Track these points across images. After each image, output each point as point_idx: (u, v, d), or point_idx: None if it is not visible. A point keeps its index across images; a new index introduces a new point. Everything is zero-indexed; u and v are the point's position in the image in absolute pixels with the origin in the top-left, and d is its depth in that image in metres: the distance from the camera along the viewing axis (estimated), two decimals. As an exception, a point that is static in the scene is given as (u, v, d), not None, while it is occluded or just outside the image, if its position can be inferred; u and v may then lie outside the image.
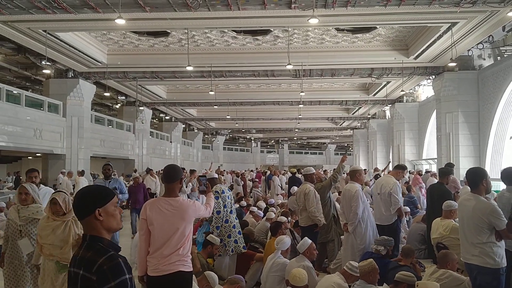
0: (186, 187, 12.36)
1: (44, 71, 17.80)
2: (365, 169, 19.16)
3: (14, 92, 16.42)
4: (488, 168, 16.29)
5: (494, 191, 9.66)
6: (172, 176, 3.96)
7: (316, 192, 7.30)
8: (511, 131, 16.02)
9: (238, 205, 11.15)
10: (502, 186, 5.55)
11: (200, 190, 5.24)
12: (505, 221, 4.21)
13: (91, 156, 20.06)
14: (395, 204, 7.25)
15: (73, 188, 15.50)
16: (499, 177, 5.32)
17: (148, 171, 16.68)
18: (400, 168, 8.10)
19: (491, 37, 14.96)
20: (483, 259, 4.23)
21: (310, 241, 5.68)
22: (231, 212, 6.50)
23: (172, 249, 3.77)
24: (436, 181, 9.73)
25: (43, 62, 15.99)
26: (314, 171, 7.83)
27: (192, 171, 13.72)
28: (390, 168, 14.38)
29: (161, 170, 20.09)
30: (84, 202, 2.24)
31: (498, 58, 16.54)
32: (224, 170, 27.64)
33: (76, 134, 18.87)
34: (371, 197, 9.29)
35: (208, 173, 8.27)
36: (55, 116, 18.20)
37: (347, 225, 6.64)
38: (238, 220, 6.74)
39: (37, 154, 21.63)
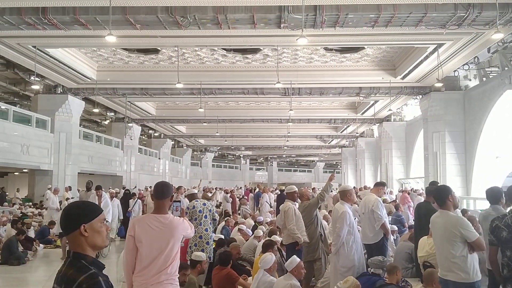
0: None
1: (33, 86, 17.74)
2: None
3: (1, 107, 16.34)
4: (474, 187, 16.45)
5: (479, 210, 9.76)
6: (163, 192, 3.91)
7: (296, 210, 7.31)
8: (497, 150, 16.23)
9: (224, 223, 11.23)
10: (487, 205, 5.60)
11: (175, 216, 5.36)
12: (475, 233, 4.31)
13: (78, 172, 19.91)
14: (378, 220, 7.26)
15: (60, 204, 15.34)
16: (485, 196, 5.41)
17: (93, 188, 12.59)
18: (380, 185, 8.16)
19: (476, 58, 15.23)
20: (458, 275, 4.29)
21: (298, 259, 5.66)
22: (200, 224, 7.21)
23: (160, 267, 3.70)
24: (423, 199, 9.80)
25: (32, 78, 15.93)
26: (296, 189, 7.86)
27: (178, 188, 13.55)
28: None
29: (124, 189, 19.06)
30: (69, 217, 2.22)
31: (484, 79, 16.82)
32: (211, 188, 27.44)
33: (64, 150, 18.74)
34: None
35: (189, 189, 8.84)
36: (43, 131, 18.08)
37: (331, 245, 6.65)
38: (208, 232, 7.31)
39: (24, 170, 21.42)
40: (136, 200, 14.88)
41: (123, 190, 18.14)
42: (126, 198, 15.60)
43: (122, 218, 14.96)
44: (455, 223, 4.36)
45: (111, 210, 13.09)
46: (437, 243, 4.63)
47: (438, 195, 4.67)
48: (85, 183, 13.76)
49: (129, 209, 14.52)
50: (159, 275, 3.69)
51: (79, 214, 2.21)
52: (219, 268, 6.42)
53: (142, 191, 18.10)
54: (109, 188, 15.76)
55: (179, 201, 6.16)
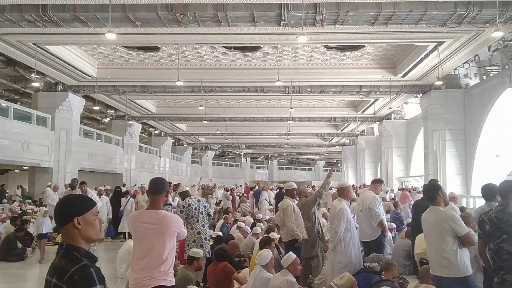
0: (173, 201, 12.28)
1: (33, 84, 17.72)
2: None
3: (2, 104, 16.33)
4: (474, 185, 16.43)
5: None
6: (158, 187, 3.85)
7: (295, 207, 7.32)
8: (497, 149, 16.22)
9: (222, 221, 11.28)
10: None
11: None
12: (465, 227, 4.36)
13: (79, 170, 19.92)
14: (375, 217, 7.28)
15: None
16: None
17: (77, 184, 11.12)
18: (377, 182, 8.17)
19: (477, 56, 15.20)
20: (449, 271, 4.33)
21: (294, 256, 5.68)
22: (197, 221, 7.24)
23: (153, 264, 3.62)
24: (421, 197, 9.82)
25: (32, 75, 15.95)
26: (295, 186, 7.87)
27: (176, 185, 13.48)
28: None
29: (124, 186, 18.28)
30: (63, 210, 2.24)
31: (484, 77, 16.80)
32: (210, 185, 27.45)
33: (64, 148, 18.73)
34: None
35: (181, 187, 8.80)
36: (43, 129, 18.09)
37: (328, 242, 6.66)
38: (205, 228, 7.36)
39: (24, 167, 21.45)
40: (129, 199, 14.35)
41: (123, 188, 18.01)
42: (118, 197, 14.92)
43: (111, 217, 14.42)
44: (445, 217, 4.41)
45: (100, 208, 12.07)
46: (428, 239, 4.69)
47: (428, 191, 4.77)
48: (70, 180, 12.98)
49: (121, 208, 14.08)
50: (152, 272, 3.62)
51: (73, 207, 2.24)
52: (215, 264, 6.45)
53: (137, 189, 17.86)
54: (104, 185, 15.52)
55: (170, 204, 6.14)
